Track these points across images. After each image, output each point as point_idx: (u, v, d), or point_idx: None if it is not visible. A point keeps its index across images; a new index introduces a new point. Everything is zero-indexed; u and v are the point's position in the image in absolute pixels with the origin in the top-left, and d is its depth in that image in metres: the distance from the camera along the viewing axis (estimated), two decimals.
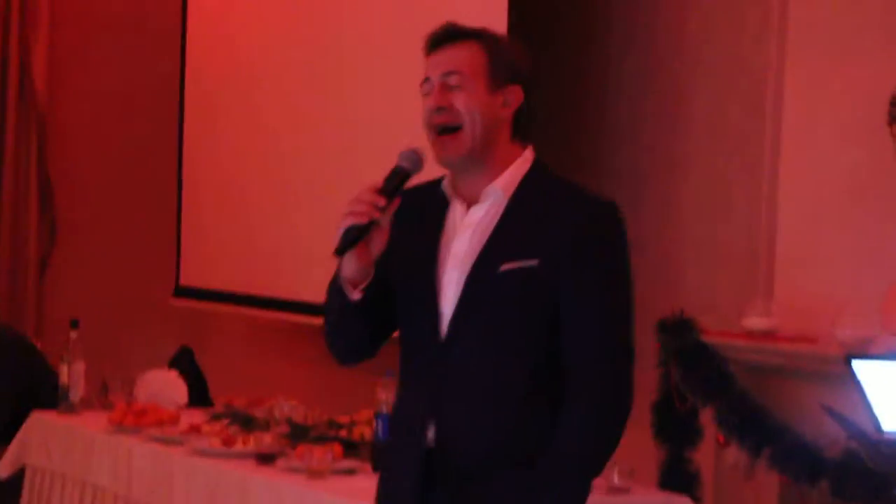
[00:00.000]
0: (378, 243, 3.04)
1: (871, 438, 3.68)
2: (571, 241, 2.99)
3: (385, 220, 3.02)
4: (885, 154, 4.76)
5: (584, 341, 3.00)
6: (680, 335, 4.85)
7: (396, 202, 3.03)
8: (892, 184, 4.76)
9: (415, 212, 3.13)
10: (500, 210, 3.06)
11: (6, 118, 8.27)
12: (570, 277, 2.99)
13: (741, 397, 4.66)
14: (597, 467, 3.06)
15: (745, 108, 5.50)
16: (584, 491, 3.02)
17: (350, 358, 3.26)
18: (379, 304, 3.12)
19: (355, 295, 3.07)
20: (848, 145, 4.95)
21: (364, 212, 2.99)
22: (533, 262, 3.00)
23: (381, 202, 3.00)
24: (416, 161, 3.06)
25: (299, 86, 7.09)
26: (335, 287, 3.10)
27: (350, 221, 2.99)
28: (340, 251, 3.02)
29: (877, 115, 4.78)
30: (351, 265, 3.04)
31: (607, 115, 6.07)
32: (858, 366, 4.03)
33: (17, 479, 5.75)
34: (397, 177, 3.06)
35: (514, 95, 3.07)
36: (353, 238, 3.01)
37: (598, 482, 4.36)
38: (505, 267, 3.01)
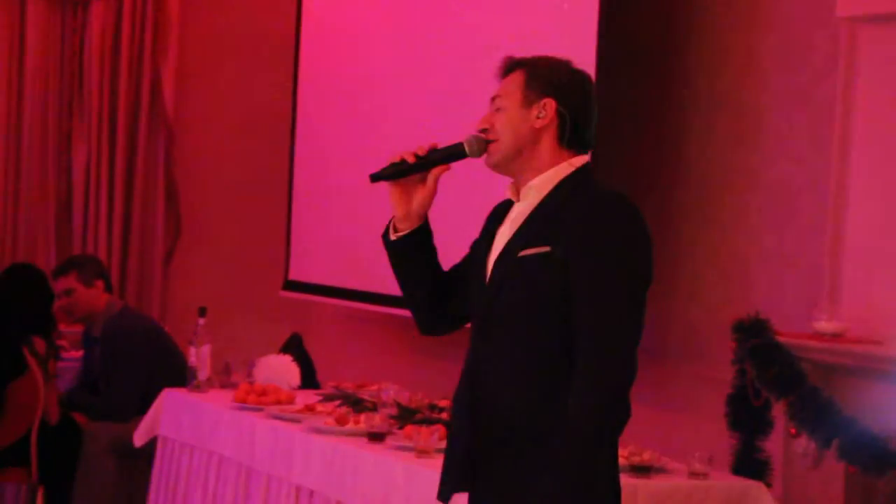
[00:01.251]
0: (421, 196, 3.15)
1: None
2: (578, 230, 2.96)
3: (430, 178, 3.13)
4: None
5: (583, 322, 2.94)
6: (754, 335, 4.77)
7: (440, 168, 3.13)
8: None
9: (497, 216, 3.18)
10: (534, 205, 3.06)
11: (139, 128, 8.33)
12: (575, 263, 2.95)
13: (812, 392, 4.59)
14: (597, 441, 2.93)
15: (814, 127, 5.42)
16: (588, 465, 2.92)
17: (423, 325, 3.32)
18: (438, 275, 3.22)
19: (392, 235, 3.17)
20: None
21: (405, 154, 3.12)
22: (546, 249, 2.98)
23: (422, 154, 3.11)
24: (475, 146, 3.10)
25: (400, 98, 7.07)
26: (384, 232, 3.21)
27: (391, 159, 3.13)
28: (372, 177, 3.16)
29: None
30: (395, 203, 3.16)
31: (684, 130, 6.01)
32: None
33: (149, 447, 5.75)
34: (452, 150, 3.12)
35: (549, 106, 3.06)
36: (387, 173, 3.13)
37: (678, 467, 4.36)
38: (522, 253, 3.01)
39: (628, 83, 5.99)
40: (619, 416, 2.95)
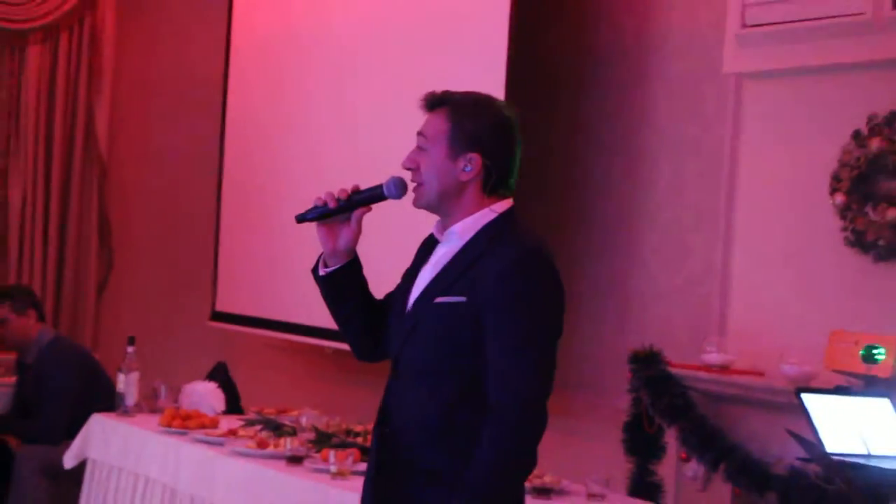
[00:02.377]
0: (346, 235, 3.10)
1: (827, 457, 3.61)
2: (491, 282, 2.89)
3: (353, 220, 3.09)
4: (826, 218, 4.75)
5: (493, 371, 2.87)
6: (649, 366, 4.81)
7: (362, 210, 3.09)
8: (831, 243, 4.75)
9: (426, 248, 3.12)
10: (454, 251, 2.99)
11: (73, 165, 8.27)
12: (486, 315, 2.89)
13: (700, 420, 4.63)
14: (502, 488, 2.88)
15: (703, 172, 5.49)
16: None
17: (358, 352, 3.27)
18: (370, 306, 3.17)
19: (321, 271, 3.14)
20: (794, 209, 4.94)
21: (327, 197, 3.09)
22: (461, 299, 2.92)
23: (343, 197, 3.07)
24: (394, 189, 3.05)
25: (322, 138, 7.07)
26: (314, 267, 3.18)
27: (316, 201, 3.09)
28: (298, 218, 3.14)
29: (820, 186, 4.77)
30: (322, 242, 3.12)
31: (586, 173, 6.05)
32: (806, 397, 3.98)
33: (79, 469, 5.67)
34: (373, 192, 3.09)
35: (475, 161, 2.97)
36: (311, 215, 3.11)
37: (577, 489, 4.38)
38: (438, 300, 2.95)
39: (535, 130, 6.02)
40: (525, 469, 2.91)
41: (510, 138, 3.02)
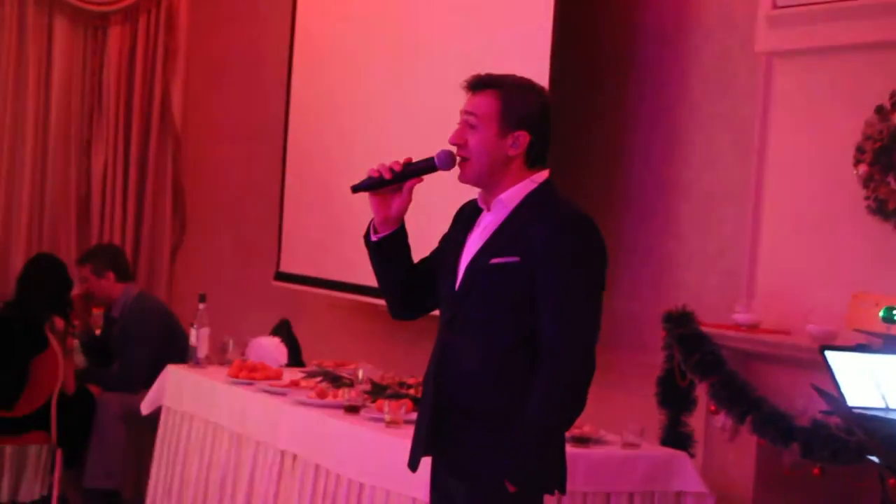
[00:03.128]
0: (397, 204, 3.13)
1: (850, 411, 3.59)
2: (544, 244, 2.96)
3: (405, 189, 3.11)
4: (850, 186, 4.70)
5: (546, 323, 2.95)
6: (682, 325, 4.77)
7: (414, 180, 3.11)
8: (854, 210, 4.70)
9: (465, 216, 3.17)
10: (502, 218, 3.05)
11: (150, 136, 8.34)
12: (540, 271, 2.95)
13: (729, 375, 4.59)
14: (556, 427, 2.99)
15: (735, 145, 5.45)
16: (546, 446, 2.97)
17: (395, 311, 3.30)
18: (412, 270, 3.20)
19: (373, 237, 3.16)
20: (820, 179, 4.89)
21: (382, 169, 3.10)
22: (515, 259, 2.98)
23: (397, 168, 3.09)
24: (446, 161, 3.09)
25: (380, 112, 7.07)
26: (365, 234, 3.19)
27: (370, 173, 3.11)
28: (353, 188, 3.16)
29: (845, 157, 4.72)
30: (375, 210, 3.14)
31: (626, 148, 6.02)
32: (830, 354, 3.95)
33: (154, 415, 5.74)
34: (424, 164, 3.11)
35: (522, 139, 3.05)
36: (366, 185, 3.12)
37: (614, 438, 4.38)
38: (493, 261, 3.01)
39: (579, 108, 6.01)
40: (575, 411, 2.99)
41: (549, 119, 3.11)
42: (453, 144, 3.08)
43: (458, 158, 3.08)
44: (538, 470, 2.95)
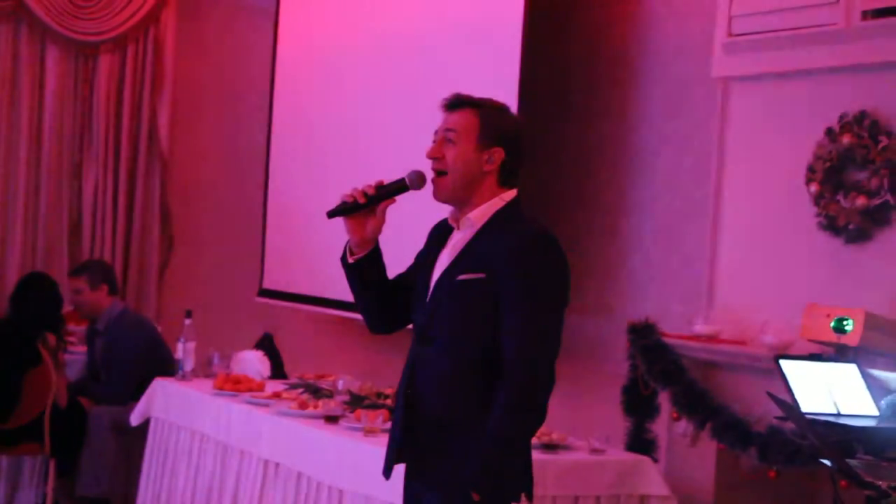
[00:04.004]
0: (372, 226, 3.11)
1: (804, 416, 3.61)
2: (507, 261, 2.94)
3: (379, 211, 3.09)
4: (802, 204, 4.73)
5: (508, 338, 2.93)
6: (645, 336, 4.78)
7: (387, 202, 3.09)
8: (807, 226, 4.73)
9: (438, 234, 3.17)
10: (470, 235, 3.04)
11: (139, 159, 8.32)
12: (503, 287, 2.94)
13: (690, 383, 4.61)
14: (516, 437, 2.96)
15: (695, 165, 5.48)
16: (508, 455, 2.94)
17: (373, 326, 3.28)
18: (387, 287, 3.18)
19: (350, 259, 3.14)
20: (775, 197, 4.92)
21: (356, 194, 3.08)
22: (481, 276, 2.97)
23: (371, 192, 3.07)
24: (416, 181, 3.07)
25: (354, 137, 7.07)
26: (342, 256, 3.17)
27: (344, 198, 3.09)
28: (329, 214, 3.12)
29: (797, 176, 4.75)
30: (350, 233, 3.12)
31: (592, 169, 6.04)
32: (784, 363, 3.98)
33: (143, 426, 5.74)
34: (396, 185, 3.09)
35: (497, 154, 3.05)
36: (340, 210, 3.09)
37: (581, 444, 4.39)
38: (460, 277, 3.00)
39: (547, 127, 6.03)
40: (535, 422, 2.98)
41: (523, 140, 3.11)
42: (431, 159, 3.07)
43: (432, 174, 3.08)
44: (502, 478, 2.94)
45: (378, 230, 3.14)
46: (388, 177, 3.16)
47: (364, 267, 3.16)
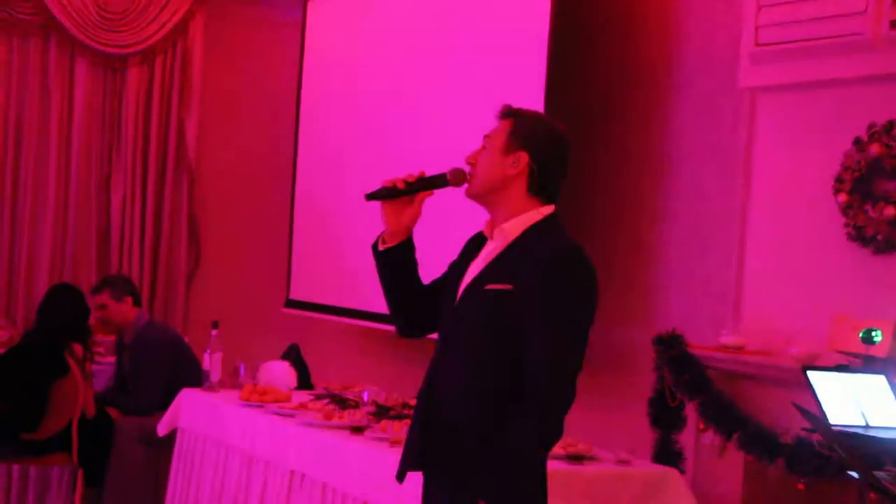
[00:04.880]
0: (408, 215, 3.11)
1: (831, 428, 3.58)
2: (536, 274, 2.90)
3: (416, 201, 3.09)
4: (830, 215, 4.71)
5: (531, 355, 2.89)
6: (671, 347, 4.78)
7: (425, 193, 3.09)
8: (834, 237, 4.71)
9: (474, 245, 3.14)
10: (503, 246, 3.01)
11: (167, 171, 8.33)
12: (530, 301, 2.90)
13: (717, 395, 4.60)
14: (532, 450, 2.91)
15: (721, 176, 5.46)
16: (522, 468, 2.90)
17: (401, 328, 3.26)
18: (417, 285, 3.16)
19: (381, 246, 3.12)
20: (802, 208, 4.90)
21: (396, 180, 3.07)
22: (509, 287, 2.93)
23: (411, 180, 3.06)
24: (456, 177, 3.06)
25: (384, 147, 7.08)
26: (374, 243, 3.15)
27: (384, 183, 3.08)
28: (367, 196, 3.11)
29: (825, 187, 4.73)
30: (386, 219, 3.11)
31: (618, 181, 6.03)
32: (812, 374, 3.96)
33: (171, 437, 5.74)
34: (436, 179, 3.09)
35: (522, 158, 3.01)
36: (380, 194, 3.08)
37: (607, 455, 4.36)
38: (488, 287, 2.96)
39: (573, 143, 6.01)
40: (553, 437, 2.93)
41: (558, 151, 3.07)
42: (467, 163, 3.08)
43: (467, 175, 3.07)
44: (516, 491, 2.90)
45: (414, 220, 3.13)
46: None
47: (394, 257, 3.14)
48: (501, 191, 3.03)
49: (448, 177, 3.08)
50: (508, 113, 3.09)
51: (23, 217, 7.96)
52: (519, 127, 3.04)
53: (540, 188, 3.04)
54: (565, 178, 3.09)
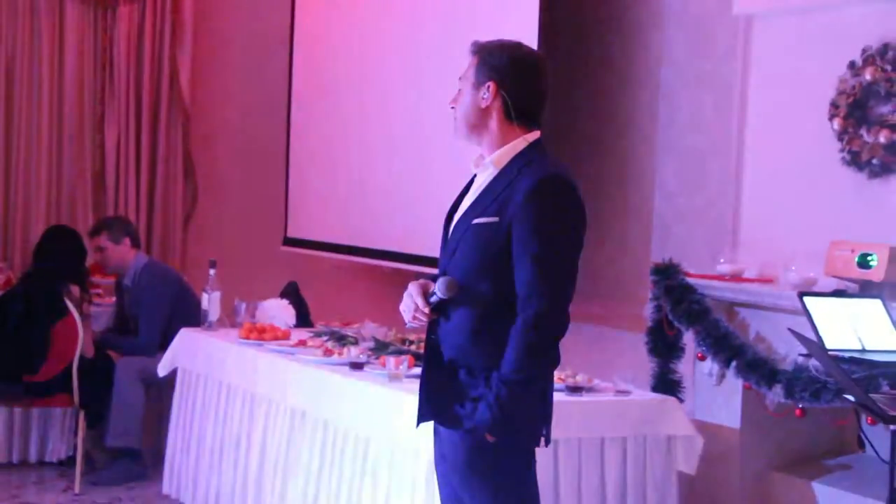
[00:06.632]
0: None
1: (827, 353, 3.59)
2: (520, 203, 2.92)
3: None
4: (825, 141, 4.70)
5: (520, 280, 2.92)
6: (669, 276, 4.76)
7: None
8: (830, 163, 4.70)
9: (471, 184, 3.16)
10: (490, 178, 3.04)
11: (160, 111, 8.31)
12: (516, 229, 2.93)
13: (715, 323, 4.58)
14: (528, 380, 2.93)
15: (717, 103, 5.44)
16: (520, 397, 2.93)
17: None
18: None
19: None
20: (798, 134, 4.88)
21: (421, 323, 3.10)
22: (494, 219, 2.96)
23: (433, 316, 3.07)
24: (446, 288, 3.04)
25: (378, 79, 7.04)
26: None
27: (415, 325, 3.12)
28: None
29: (819, 113, 4.71)
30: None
31: (613, 108, 6.00)
32: (808, 300, 3.97)
33: (171, 376, 5.76)
34: (436, 299, 3.05)
35: (490, 89, 3.04)
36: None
37: (606, 386, 4.39)
38: (475, 221, 3.00)
39: (567, 68, 5.99)
40: (546, 365, 2.97)
41: (528, 73, 3.07)
42: (450, 107, 3.12)
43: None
44: (516, 420, 2.94)
45: None
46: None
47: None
48: (482, 124, 3.06)
49: (440, 293, 3.03)
50: (475, 49, 3.11)
51: (17, 160, 7.94)
52: (485, 58, 3.07)
53: (518, 114, 3.05)
54: (544, 99, 3.09)
